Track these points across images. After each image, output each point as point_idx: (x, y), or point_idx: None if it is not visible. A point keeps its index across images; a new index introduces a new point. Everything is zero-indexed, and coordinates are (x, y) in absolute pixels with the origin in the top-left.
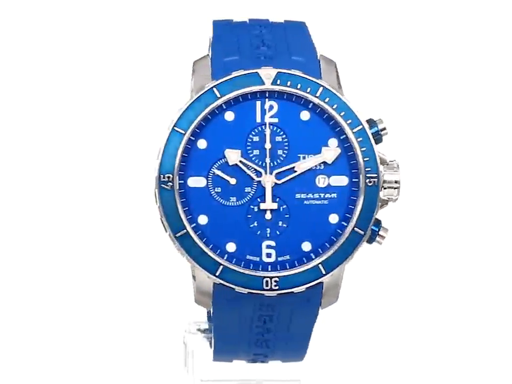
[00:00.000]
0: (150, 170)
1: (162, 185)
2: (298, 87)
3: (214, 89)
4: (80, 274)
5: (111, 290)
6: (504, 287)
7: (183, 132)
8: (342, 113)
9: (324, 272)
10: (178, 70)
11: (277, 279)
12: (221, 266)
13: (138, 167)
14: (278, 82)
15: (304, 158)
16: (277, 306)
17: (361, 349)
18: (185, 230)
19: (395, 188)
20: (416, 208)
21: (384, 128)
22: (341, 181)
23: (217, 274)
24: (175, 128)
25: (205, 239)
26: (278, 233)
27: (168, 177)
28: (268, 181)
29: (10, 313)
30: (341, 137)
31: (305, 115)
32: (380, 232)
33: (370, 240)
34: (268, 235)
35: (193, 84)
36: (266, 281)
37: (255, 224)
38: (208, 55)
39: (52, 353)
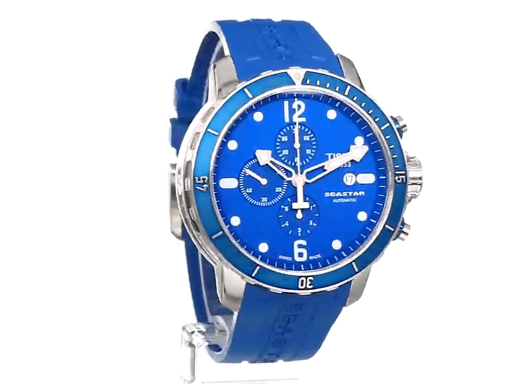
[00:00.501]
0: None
1: (197, 187)
2: (327, 86)
3: (245, 89)
4: (80, 275)
5: (110, 291)
6: None
7: (216, 134)
8: (370, 111)
9: (356, 270)
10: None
11: (311, 278)
12: (258, 267)
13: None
14: (308, 82)
15: (331, 156)
16: (305, 305)
17: (360, 348)
18: (221, 232)
19: (419, 184)
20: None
21: (405, 125)
22: (368, 178)
23: (253, 275)
24: (208, 130)
25: (239, 240)
26: (308, 232)
27: (204, 179)
28: (300, 180)
29: (8, 307)
30: (367, 135)
31: (331, 114)
32: (404, 229)
33: (395, 237)
34: (299, 234)
35: (215, 85)
36: (302, 281)
37: (287, 223)
38: (228, 55)
39: (51, 354)
